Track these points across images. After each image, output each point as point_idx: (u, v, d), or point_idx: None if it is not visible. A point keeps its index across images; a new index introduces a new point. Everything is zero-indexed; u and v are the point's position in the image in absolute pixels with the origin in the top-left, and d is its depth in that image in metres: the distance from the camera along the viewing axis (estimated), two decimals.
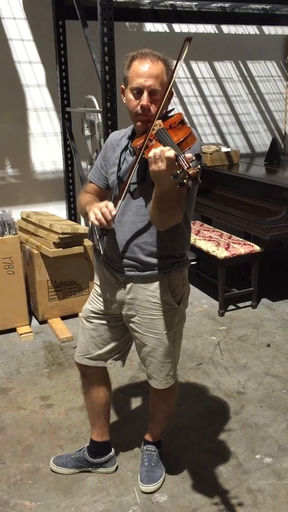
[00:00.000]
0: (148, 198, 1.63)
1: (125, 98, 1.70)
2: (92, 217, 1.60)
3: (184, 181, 1.30)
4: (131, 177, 1.66)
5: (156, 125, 1.53)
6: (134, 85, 1.62)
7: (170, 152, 1.35)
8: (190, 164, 1.33)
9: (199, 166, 1.34)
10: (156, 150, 1.37)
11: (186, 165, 1.32)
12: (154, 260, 1.76)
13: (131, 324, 1.87)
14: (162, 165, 1.37)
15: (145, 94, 1.61)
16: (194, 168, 1.31)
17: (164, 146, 1.42)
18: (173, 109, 1.74)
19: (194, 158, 1.36)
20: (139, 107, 1.63)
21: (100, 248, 1.87)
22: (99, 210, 1.59)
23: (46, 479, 2.11)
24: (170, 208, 1.53)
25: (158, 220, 1.62)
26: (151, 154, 1.39)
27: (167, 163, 1.35)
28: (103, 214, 1.58)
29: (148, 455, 2.13)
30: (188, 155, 1.35)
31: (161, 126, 1.51)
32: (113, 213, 1.59)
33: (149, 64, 1.61)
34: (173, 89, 1.72)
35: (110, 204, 1.60)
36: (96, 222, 1.59)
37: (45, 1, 3.60)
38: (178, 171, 1.31)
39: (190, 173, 1.30)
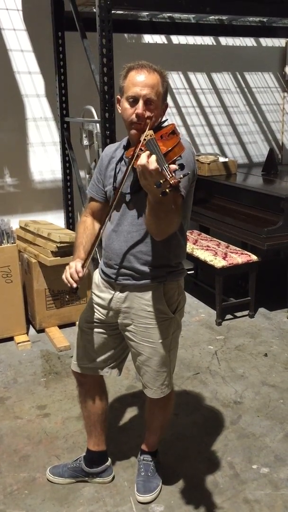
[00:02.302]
0: (143, 208, 1.65)
1: (120, 107, 1.73)
2: (63, 276, 1.79)
3: (167, 190, 1.35)
4: (122, 185, 1.69)
5: (147, 135, 1.55)
6: (130, 93, 1.65)
7: (153, 165, 1.39)
8: (173, 174, 1.36)
9: (181, 176, 1.39)
10: (141, 161, 1.41)
11: (168, 174, 1.36)
12: (149, 269, 1.77)
13: (126, 333, 1.87)
14: (147, 176, 1.42)
15: (140, 103, 1.64)
16: (175, 178, 1.35)
17: (151, 155, 1.45)
18: (166, 120, 1.77)
19: (177, 168, 1.39)
20: (134, 116, 1.65)
21: (98, 257, 1.89)
22: (67, 268, 1.78)
23: (42, 489, 2.10)
24: (166, 213, 1.54)
25: (155, 228, 1.63)
26: (138, 163, 1.44)
27: (153, 174, 1.40)
28: (70, 274, 1.75)
29: (145, 465, 2.12)
30: (172, 166, 1.39)
31: (152, 137, 1.54)
32: (80, 274, 1.75)
33: (146, 74, 1.65)
34: (167, 102, 1.75)
35: (78, 265, 1.77)
36: (65, 281, 1.77)
37: (45, 13, 3.64)
38: (161, 181, 1.35)
39: (171, 182, 1.34)
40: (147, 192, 1.49)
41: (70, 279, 1.75)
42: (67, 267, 1.80)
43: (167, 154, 1.47)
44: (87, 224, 1.95)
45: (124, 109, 1.69)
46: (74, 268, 1.77)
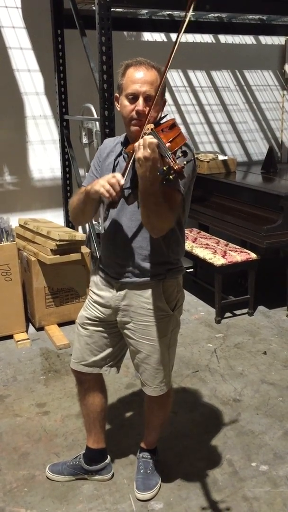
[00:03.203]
0: None
1: (119, 105, 1.72)
2: (101, 189, 1.57)
3: (170, 177, 1.35)
4: (123, 180, 1.68)
5: (148, 129, 1.56)
6: (130, 91, 1.65)
7: (152, 139, 1.42)
8: (176, 160, 1.37)
9: (184, 162, 1.40)
10: (140, 140, 1.44)
11: (172, 161, 1.37)
12: (148, 266, 1.78)
13: (125, 331, 1.87)
14: (145, 152, 1.42)
15: (140, 100, 1.64)
16: (179, 164, 1.36)
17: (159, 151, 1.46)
18: (166, 115, 1.77)
19: (180, 154, 1.40)
20: (134, 113, 1.65)
21: (97, 254, 1.88)
22: (106, 182, 1.57)
23: (42, 486, 2.11)
24: (156, 205, 1.54)
25: (147, 222, 1.62)
26: (136, 144, 1.46)
27: (151, 149, 1.41)
28: (111, 185, 1.56)
29: (144, 463, 2.13)
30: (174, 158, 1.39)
31: (153, 129, 1.54)
32: (121, 182, 1.57)
33: (144, 71, 1.65)
34: (166, 98, 1.75)
35: (118, 174, 1.59)
36: (106, 194, 1.56)
37: (44, 10, 3.63)
38: (164, 168, 1.36)
39: (175, 168, 1.35)
40: (141, 181, 1.50)
41: (112, 190, 1.56)
42: (101, 181, 1.58)
43: (169, 143, 1.48)
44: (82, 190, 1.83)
45: (123, 106, 1.69)
46: (113, 177, 1.57)
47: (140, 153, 1.44)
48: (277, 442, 2.36)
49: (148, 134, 1.51)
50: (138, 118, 1.65)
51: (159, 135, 1.49)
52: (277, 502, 2.02)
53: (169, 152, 1.39)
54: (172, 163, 1.36)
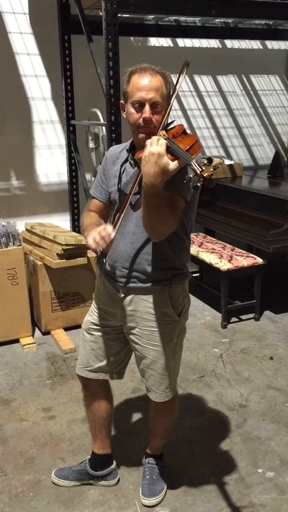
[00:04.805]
0: None
1: (125, 112, 1.72)
2: (92, 245, 1.61)
3: (198, 184, 1.36)
4: (134, 189, 1.68)
5: (161, 135, 1.56)
6: (135, 98, 1.65)
7: (162, 139, 1.47)
8: (203, 168, 1.37)
9: (211, 169, 1.38)
10: (149, 140, 1.49)
11: (199, 168, 1.36)
12: (155, 272, 1.77)
13: (131, 336, 1.87)
14: (152, 148, 1.46)
15: (147, 107, 1.64)
16: (207, 171, 1.36)
17: (173, 154, 1.48)
18: (173, 121, 1.77)
19: (205, 161, 1.40)
20: (141, 120, 1.65)
21: (103, 259, 1.88)
22: (97, 234, 1.60)
23: (47, 491, 2.11)
24: (158, 207, 1.54)
25: (149, 224, 1.62)
26: (147, 142, 1.50)
27: (158, 144, 1.45)
28: (102, 237, 1.60)
29: (150, 468, 2.12)
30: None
31: (166, 136, 1.54)
32: (112, 236, 1.61)
33: (149, 78, 1.64)
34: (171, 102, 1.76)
35: (109, 227, 1.63)
36: (93, 246, 1.61)
37: (51, 16, 3.66)
38: (190, 175, 1.36)
39: (204, 175, 1.35)
40: (144, 180, 1.50)
41: (102, 243, 1.60)
42: (93, 233, 1.61)
43: (187, 151, 1.48)
44: (93, 214, 1.89)
45: (129, 113, 1.68)
46: (104, 230, 1.61)
47: (147, 149, 1.47)
48: (283, 448, 2.35)
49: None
50: (146, 126, 1.65)
51: (175, 142, 1.49)
52: (283, 509, 2.00)
53: (194, 160, 1.39)
54: (199, 170, 1.35)
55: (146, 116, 1.63)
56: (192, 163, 1.38)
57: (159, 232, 1.64)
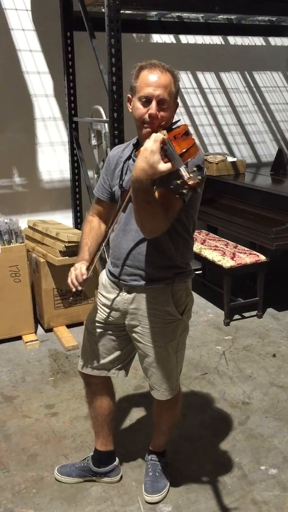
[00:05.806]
0: None
1: (131, 106, 1.71)
2: (69, 282, 1.79)
3: (184, 191, 1.32)
4: (87, 275, 1.75)
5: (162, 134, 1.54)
6: (143, 94, 1.63)
7: (159, 136, 1.45)
8: (191, 175, 1.34)
9: (199, 177, 1.35)
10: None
11: (186, 175, 1.33)
12: (157, 270, 1.77)
13: (134, 334, 1.87)
14: (147, 143, 1.45)
15: (153, 103, 1.62)
16: (194, 179, 1.32)
17: (167, 155, 1.45)
18: (178, 120, 1.76)
19: (195, 168, 1.38)
20: (147, 115, 1.64)
21: (106, 257, 1.89)
22: (73, 271, 1.79)
23: (50, 488, 2.11)
24: (147, 203, 1.52)
25: (138, 219, 1.61)
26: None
27: (154, 140, 1.44)
28: (75, 276, 1.76)
29: (153, 465, 2.12)
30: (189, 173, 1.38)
31: (165, 136, 1.53)
32: (84, 277, 1.75)
33: (158, 74, 1.63)
34: (178, 100, 1.74)
35: (83, 268, 1.78)
36: (73, 289, 1.77)
37: (54, 13, 3.65)
38: (178, 181, 1.33)
39: (190, 183, 1.31)
40: (134, 173, 1.48)
41: (75, 282, 1.77)
42: (72, 269, 1.81)
43: (182, 155, 1.45)
44: (93, 224, 1.95)
45: (136, 108, 1.67)
46: (79, 270, 1.78)
47: (144, 144, 1.46)
48: (286, 445, 2.35)
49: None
50: (151, 122, 1.64)
51: (172, 144, 1.47)
52: (286, 506, 2.00)
53: (184, 166, 1.36)
54: (186, 177, 1.32)
55: (152, 112, 1.62)
56: (180, 168, 1.35)
57: (149, 229, 1.63)
